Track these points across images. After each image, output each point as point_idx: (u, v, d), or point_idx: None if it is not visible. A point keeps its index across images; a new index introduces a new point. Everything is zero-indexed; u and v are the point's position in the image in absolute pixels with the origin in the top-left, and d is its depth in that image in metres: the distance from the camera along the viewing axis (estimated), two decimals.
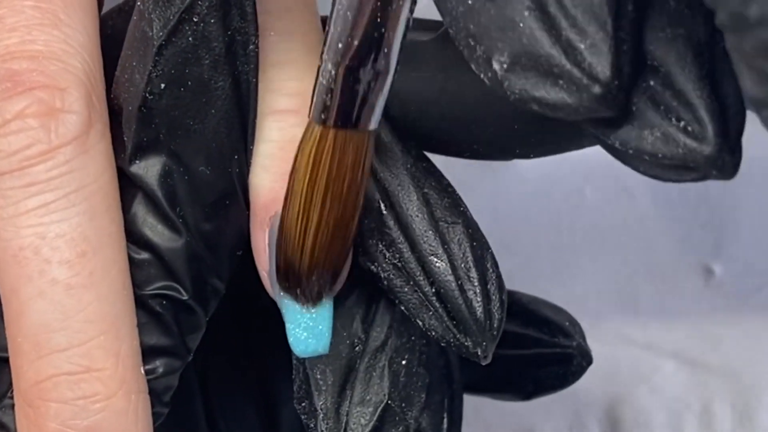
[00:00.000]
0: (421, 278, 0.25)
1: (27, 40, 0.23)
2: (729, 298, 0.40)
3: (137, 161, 0.24)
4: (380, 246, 0.25)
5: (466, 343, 0.25)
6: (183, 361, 0.25)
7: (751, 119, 0.38)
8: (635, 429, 0.40)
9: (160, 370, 0.24)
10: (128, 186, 0.24)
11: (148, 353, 0.24)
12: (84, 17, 0.24)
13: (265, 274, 0.25)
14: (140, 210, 0.24)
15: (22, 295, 0.23)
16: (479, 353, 0.25)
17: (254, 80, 0.24)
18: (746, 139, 0.39)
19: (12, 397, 0.24)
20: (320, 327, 0.25)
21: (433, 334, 0.25)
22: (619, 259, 0.40)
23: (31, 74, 0.23)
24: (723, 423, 0.40)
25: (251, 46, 0.24)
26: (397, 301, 0.25)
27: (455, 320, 0.25)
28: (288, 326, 0.25)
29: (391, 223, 0.25)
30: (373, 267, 0.25)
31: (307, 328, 0.25)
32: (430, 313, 0.25)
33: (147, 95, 0.24)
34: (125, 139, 0.24)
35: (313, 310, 0.25)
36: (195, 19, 0.23)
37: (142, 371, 0.24)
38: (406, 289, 0.25)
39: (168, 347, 0.24)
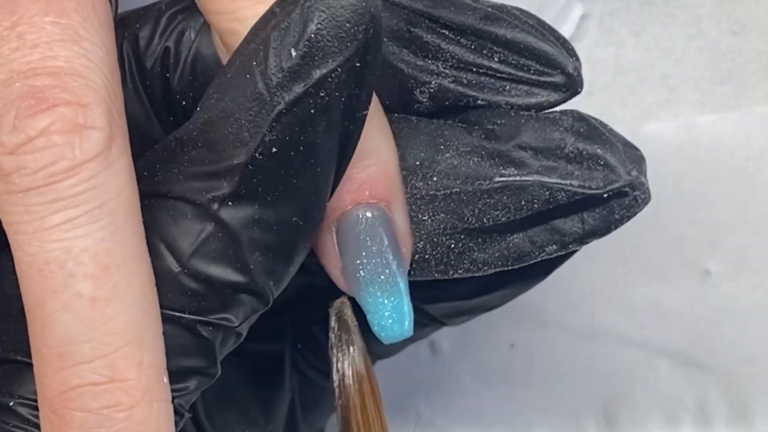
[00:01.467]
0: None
1: (48, 57, 0.23)
2: (725, 297, 0.40)
3: (229, 204, 0.24)
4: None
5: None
6: (213, 379, 0.25)
7: (744, 121, 0.39)
8: (631, 428, 0.40)
9: (192, 387, 0.25)
10: (195, 218, 0.24)
11: (185, 373, 0.25)
12: (102, 32, 0.24)
13: (337, 272, 0.27)
14: (207, 247, 0.24)
15: (47, 307, 0.23)
16: (570, 70, 0.27)
17: (357, 138, 0.25)
18: (743, 140, 0.39)
19: (22, 403, 0.24)
20: (402, 311, 0.27)
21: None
22: (615, 259, 0.40)
23: (54, 91, 0.23)
24: (719, 423, 0.40)
25: (363, 112, 0.24)
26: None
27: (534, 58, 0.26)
28: (371, 318, 0.27)
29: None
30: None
31: (390, 315, 0.26)
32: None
33: (256, 155, 0.24)
34: (224, 184, 0.24)
35: (392, 298, 0.26)
36: (321, 94, 0.23)
37: (165, 379, 0.24)
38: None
39: (204, 368, 0.25)
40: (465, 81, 0.27)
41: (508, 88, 0.27)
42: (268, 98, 0.23)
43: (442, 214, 0.27)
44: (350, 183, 0.26)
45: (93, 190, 0.23)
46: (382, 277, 0.26)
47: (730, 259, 0.40)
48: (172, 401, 0.24)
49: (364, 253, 0.26)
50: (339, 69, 0.23)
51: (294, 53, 0.23)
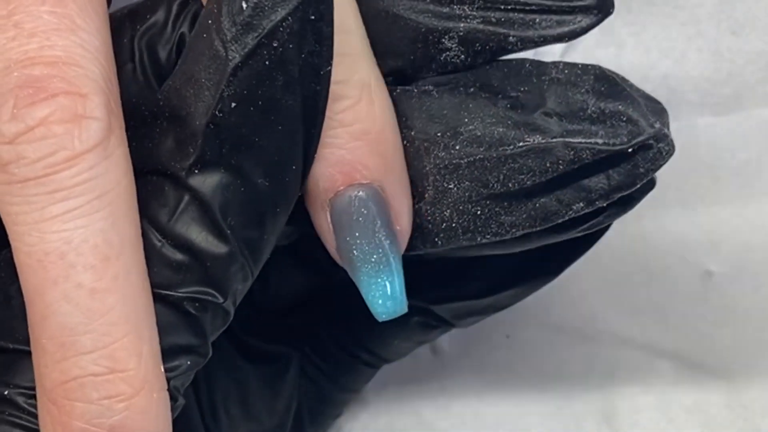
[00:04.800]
0: None
1: (46, 46, 0.23)
2: (726, 298, 0.40)
3: (196, 172, 0.24)
4: None
5: None
6: (205, 359, 0.25)
7: (744, 122, 0.39)
8: (632, 429, 0.40)
9: (184, 367, 0.25)
10: (171, 189, 0.24)
11: (176, 352, 0.25)
12: (98, 21, 0.24)
13: (333, 250, 0.27)
14: (186, 216, 0.24)
15: (47, 298, 0.23)
16: None
17: (325, 99, 0.25)
18: (744, 141, 0.39)
19: (19, 393, 0.24)
20: (395, 290, 0.27)
21: None
22: (615, 259, 0.40)
23: (53, 80, 0.23)
24: (720, 424, 0.40)
25: (326, 69, 0.24)
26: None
27: None
28: (365, 296, 0.27)
29: None
30: None
31: (382, 294, 0.27)
32: None
33: (216, 113, 0.24)
34: (189, 150, 0.24)
35: (385, 277, 0.27)
36: (274, 45, 0.24)
37: (162, 369, 0.24)
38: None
39: (195, 347, 0.25)
40: (494, 20, 0.27)
41: (537, 20, 0.27)
42: (224, 54, 0.24)
43: (467, 182, 0.27)
44: (342, 163, 0.26)
45: (92, 180, 0.23)
46: (375, 257, 0.27)
47: (731, 260, 0.40)
48: (168, 386, 0.24)
49: (357, 234, 0.26)
50: (289, 18, 0.24)
51: (245, 6, 0.24)
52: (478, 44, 0.27)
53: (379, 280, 0.27)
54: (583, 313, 0.41)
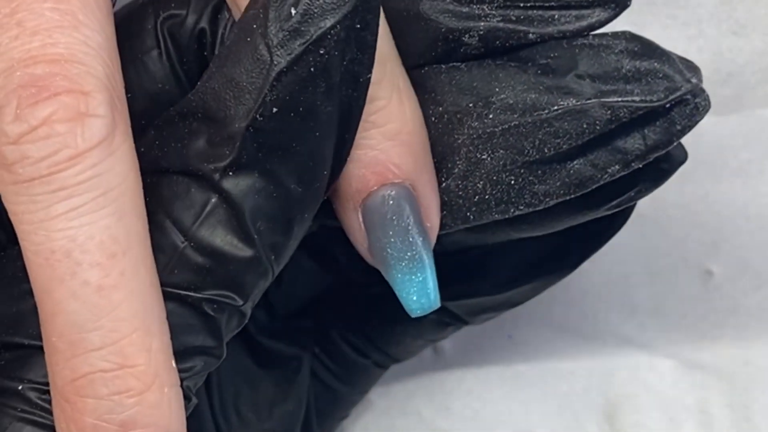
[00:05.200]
0: None
1: (48, 44, 0.23)
2: (727, 298, 0.40)
3: (230, 175, 0.24)
4: None
5: None
6: (219, 360, 0.25)
7: (745, 122, 0.39)
8: (632, 429, 0.40)
9: (198, 368, 0.25)
10: (198, 190, 0.24)
11: (191, 352, 0.25)
12: (101, 17, 0.24)
13: (364, 250, 0.27)
14: (213, 218, 0.24)
15: (55, 296, 0.23)
16: None
17: (362, 105, 0.25)
18: (745, 141, 0.39)
19: (31, 387, 0.24)
20: (428, 286, 0.27)
21: None
22: (616, 259, 0.40)
23: (55, 79, 0.23)
24: (720, 424, 0.40)
25: (366, 76, 0.25)
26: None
27: None
28: (399, 293, 0.27)
29: None
30: None
31: (416, 291, 0.27)
32: None
33: (257, 116, 0.24)
34: (225, 152, 0.24)
35: (419, 274, 0.27)
36: (321, 52, 0.24)
37: (174, 364, 0.24)
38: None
39: (210, 348, 0.25)
40: (513, 18, 0.27)
41: (557, 16, 0.27)
42: (269, 58, 0.24)
43: (501, 151, 0.26)
44: (375, 164, 0.26)
45: (97, 177, 0.23)
46: (409, 254, 0.27)
47: (732, 260, 0.40)
48: (181, 384, 0.24)
49: (390, 233, 0.27)
50: (338, 26, 0.24)
51: (293, 12, 0.23)
52: (498, 41, 0.27)
53: (413, 277, 0.27)
54: (583, 313, 0.41)
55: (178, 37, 0.27)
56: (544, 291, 0.33)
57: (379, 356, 0.35)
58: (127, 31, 0.27)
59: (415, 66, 0.27)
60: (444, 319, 0.33)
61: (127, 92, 0.25)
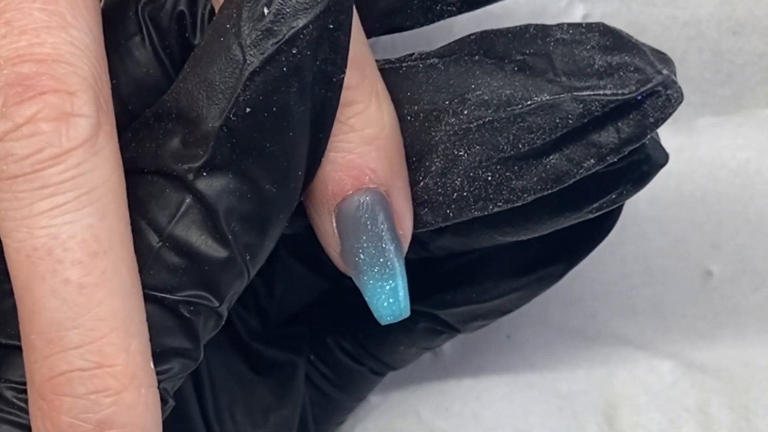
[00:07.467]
0: None
1: (35, 44, 0.23)
2: (726, 298, 0.40)
3: (204, 175, 0.24)
4: None
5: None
6: (196, 363, 0.26)
7: (744, 123, 0.39)
8: (632, 430, 0.40)
9: (176, 370, 0.25)
10: (173, 190, 0.24)
11: (169, 354, 0.25)
12: (89, 18, 0.24)
13: (336, 255, 0.27)
14: (187, 219, 0.24)
15: (35, 293, 0.23)
16: None
17: (335, 106, 0.25)
18: (744, 141, 0.39)
19: (8, 386, 0.24)
20: (399, 293, 0.27)
21: None
22: (616, 260, 0.40)
23: (41, 78, 0.23)
24: (720, 425, 0.40)
25: (339, 77, 0.25)
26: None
27: None
28: (369, 300, 0.27)
29: None
30: None
31: (387, 298, 0.27)
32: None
33: (231, 116, 0.24)
34: (199, 152, 0.24)
35: (390, 281, 0.27)
36: (293, 51, 0.24)
37: (152, 365, 0.24)
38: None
39: (188, 350, 0.25)
40: None
41: None
42: (242, 58, 0.24)
43: (477, 147, 0.26)
44: (351, 167, 0.26)
45: (80, 176, 0.23)
46: (381, 260, 0.27)
47: (731, 260, 0.40)
48: (158, 386, 0.24)
49: (364, 238, 0.27)
50: (310, 26, 0.24)
51: (266, 11, 0.24)
52: None
53: (384, 284, 0.27)
54: (583, 313, 0.41)
55: (158, 21, 0.27)
56: (533, 299, 0.33)
57: (373, 363, 0.35)
58: (111, 19, 0.27)
59: (394, 27, 0.28)
60: (436, 327, 0.34)
61: (112, 78, 0.25)
